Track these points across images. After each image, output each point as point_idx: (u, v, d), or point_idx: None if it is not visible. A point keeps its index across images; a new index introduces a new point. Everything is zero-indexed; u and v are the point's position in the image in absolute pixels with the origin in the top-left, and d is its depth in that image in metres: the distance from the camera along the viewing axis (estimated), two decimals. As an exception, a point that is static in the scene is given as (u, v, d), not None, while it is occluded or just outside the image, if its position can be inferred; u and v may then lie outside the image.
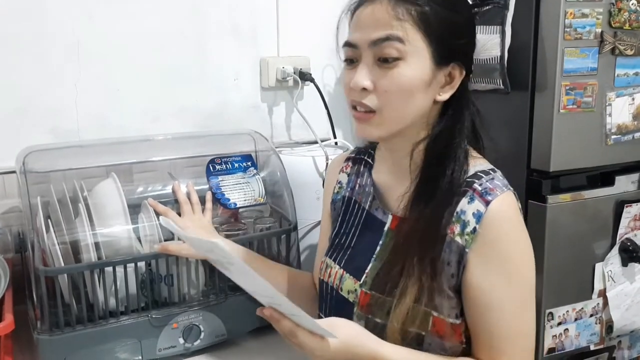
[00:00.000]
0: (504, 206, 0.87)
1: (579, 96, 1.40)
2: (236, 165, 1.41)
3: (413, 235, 0.89)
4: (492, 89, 1.46)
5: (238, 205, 1.36)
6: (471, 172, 0.91)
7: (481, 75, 1.44)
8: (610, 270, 1.56)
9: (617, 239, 1.56)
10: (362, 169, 1.08)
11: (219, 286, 1.26)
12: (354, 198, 1.06)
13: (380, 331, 0.91)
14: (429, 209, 0.89)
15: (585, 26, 1.37)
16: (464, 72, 0.91)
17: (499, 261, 0.87)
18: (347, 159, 1.12)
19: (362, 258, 0.98)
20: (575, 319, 1.53)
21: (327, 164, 1.53)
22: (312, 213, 1.51)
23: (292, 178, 1.44)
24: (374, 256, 0.97)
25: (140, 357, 1.18)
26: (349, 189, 1.08)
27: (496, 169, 0.93)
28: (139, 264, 1.18)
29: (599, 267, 1.55)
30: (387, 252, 0.95)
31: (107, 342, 1.15)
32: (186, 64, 1.61)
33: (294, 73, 1.70)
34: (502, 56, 1.41)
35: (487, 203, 0.86)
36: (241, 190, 1.38)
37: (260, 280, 0.79)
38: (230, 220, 1.39)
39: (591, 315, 1.56)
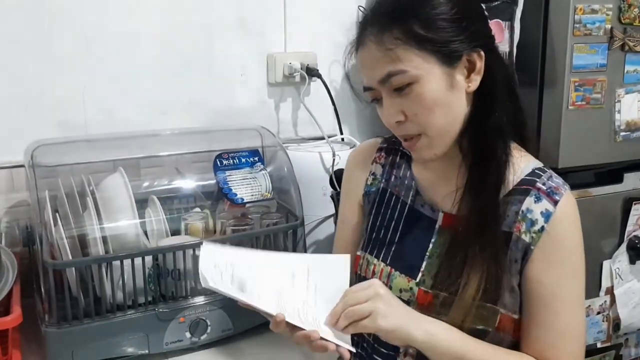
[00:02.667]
0: (570, 206, 0.90)
1: (588, 92, 1.39)
2: (243, 160, 1.42)
3: (470, 229, 0.90)
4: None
5: (245, 201, 1.36)
6: (529, 169, 0.93)
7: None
8: (618, 268, 1.55)
9: (625, 236, 1.55)
10: (398, 160, 1.05)
11: (225, 281, 1.27)
12: (389, 190, 1.04)
13: None
14: (479, 202, 0.90)
15: (594, 22, 1.36)
16: (483, 53, 0.88)
17: (562, 258, 0.89)
18: (380, 149, 1.08)
19: (412, 256, 0.97)
20: (583, 317, 1.53)
21: (334, 159, 1.53)
22: (319, 209, 1.52)
23: (299, 174, 1.44)
24: (427, 254, 0.96)
25: (147, 351, 1.18)
26: (384, 181, 1.05)
27: (547, 166, 0.95)
28: (146, 258, 1.19)
29: (606, 264, 1.54)
30: (443, 250, 0.94)
31: (115, 336, 1.15)
32: (193, 59, 1.61)
33: (301, 69, 1.70)
34: (510, 52, 1.40)
35: (555, 203, 0.89)
36: (248, 186, 1.38)
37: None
38: (237, 215, 1.39)
39: (598, 313, 1.56)
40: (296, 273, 0.91)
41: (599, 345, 1.58)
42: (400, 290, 0.96)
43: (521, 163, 0.93)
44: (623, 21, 1.39)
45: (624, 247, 1.55)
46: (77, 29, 1.46)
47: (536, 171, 0.93)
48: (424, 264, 0.96)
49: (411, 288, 0.95)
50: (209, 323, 1.23)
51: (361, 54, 0.90)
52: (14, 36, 1.39)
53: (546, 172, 0.93)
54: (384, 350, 0.97)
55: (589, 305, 1.54)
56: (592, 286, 1.55)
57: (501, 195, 0.91)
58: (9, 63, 1.40)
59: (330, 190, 1.52)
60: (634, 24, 1.41)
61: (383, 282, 0.97)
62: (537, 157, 0.97)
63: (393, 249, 1.00)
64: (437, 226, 0.97)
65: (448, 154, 0.93)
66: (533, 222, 0.89)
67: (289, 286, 0.90)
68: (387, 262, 0.99)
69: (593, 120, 1.43)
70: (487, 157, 0.90)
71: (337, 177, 1.53)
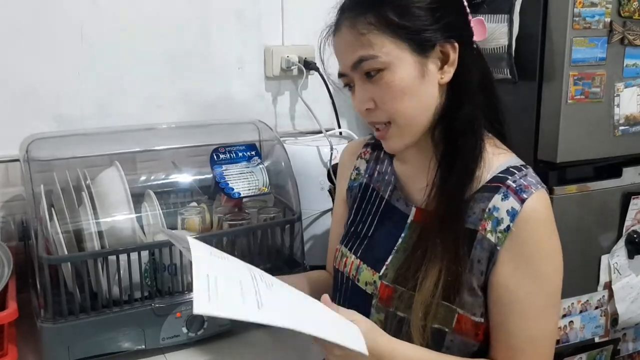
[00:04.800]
0: (539, 205, 0.85)
1: (587, 86, 1.38)
2: (240, 154, 1.41)
3: (432, 223, 0.89)
4: (499, 79, 1.44)
5: (242, 195, 1.36)
6: (503, 166, 0.89)
7: (489, 65, 1.43)
8: (616, 263, 1.55)
9: (624, 231, 1.55)
10: (382, 156, 1.05)
11: (222, 276, 1.26)
12: (371, 185, 1.04)
13: (400, 324, 0.90)
14: (443, 197, 0.88)
15: (594, 15, 1.35)
16: (457, 45, 0.87)
17: (529, 261, 0.85)
18: (366, 145, 1.09)
19: (381, 249, 0.96)
20: (581, 311, 1.53)
21: (331, 153, 1.53)
22: (316, 203, 1.51)
23: (297, 168, 1.43)
24: (395, 248, 0.95)
25: (143, 346, 1.18)
26: (367, 176, 1.05)
27: (528, 166, 0.91)
28: (142, 252, 1.18)
29: (604, 259, 1.54)
30: (410, 245, 0.93)
31: (111, 331, 1.15)
32: (190, 52, 1.60)
33: (299, 62, 1.69)
34: (509, 45, 1.39)
35: (522, 201, 0.85)
36: (245, 180, 1.38)
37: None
38: (234, 209, 1.38)
39: (596, 308, 1.55)
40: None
41: (597, 340, 1.58)
42: (366, 284, 0.96)
43: (497, 160, 0.90)
44: (622, 14, 1.38)
45: (622, 241, 1.55)
46: (72, 22, 1.44)
47: (510, 169, 0.89)
48: (390, 257, 0.95)
49: (375, 281, 0.95)
50: (205, 318, 1.22)
51: (336, 38, 0.90)
52: (8, 29, 1.38)
53: (522, 170, 0.89)
54: None
55: (587, 300, 1.54)
56: (590, 281, 1.54)
57: (470, 192, 0.88)
58: (4, 56, 1.39)
59: (328, 184, 1.51)
60: (634, 17, 1.39)
61: (352, 275, 0.98)
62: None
63: (365, 242, 1.00)
64: (408, 221, 0.96)
65: (422, 147, 0.92)
66: (499, 221, 0.85)
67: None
68: (358, 255, 0.99)
69: (592, 114, 1.42)
70: (455, 151, 0.88)
71: (334, 171, 1.53)
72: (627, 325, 1.62)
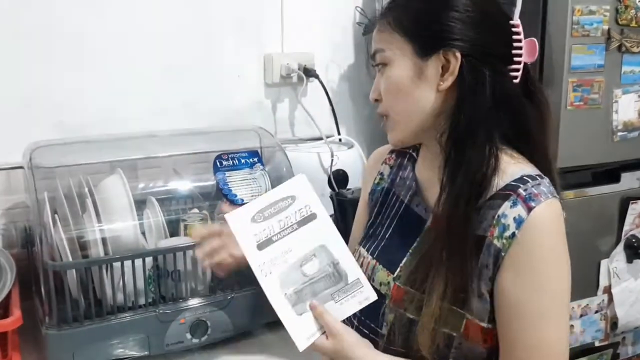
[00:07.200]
0: (545, 214, 0.85)
1: (585, 93, 1.40)
2: (243, 161, 1.42)
3: (440, 230, 0.89)
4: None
5: (244, 201, 1.36)
6: (517, 175, 0.89)
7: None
8: (615, 267, 1.56)
9: (622, 235, 1.56)
10: (405, 162, 1.07)
11: (225, 282, 1.26)
12: (393, 190, 1.06)
13: (410, 326, 0.91)
14: (449, 203, 0.88)
15: (592, 23, 1.37)
16: (459, 55, 0.87)
17: (531, 269, 0.85)
18: (392, 151, 1.11)
19: (396, 251, 0.98)
20: (581, 315, 1.54)
21: (332, 160, 1.53)
22: (318, 209, 1.51)
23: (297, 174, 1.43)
24: (410, 251, 0.96)
25: (147, 352, 1.18)
26: (389, 181, 1.08)
27: (544, 176, 0.90)
28: (146, 259, 1.18)
29: (604, 263, 1.55)
30: (423, 249, 0.95)
31: (115, 337, 1.15)
32: (191, 60, 1.60)
33: (298, 69, 1.70)
34: (509, 52, 1.40)
35: (529, 209, 0.84)
36: (248, 186, 1.38)
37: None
38: (236, 216, 1.38)
39: (596, 312, 1.56)
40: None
41: (597, 343, 1.59)
42: (380, 284, 0.98)
43: (512, 169, 0.89)
44: (620, 22, 1.40)
45: (621, 246, 1.57)
46: (74, 30, 1.45)
47: (524, 177, 0.88)
48: (404, 260, 0.96)
49: (389, 282, 0.97)
50: (209, 324, 1.22)
51: None
52: (11, 37, 1.38)
53: (536, 179, 0.88)
54: (366, 331, 0.98)
55: (587, 304, 1.55)
56: (590, 285, 1.56)
57: (483, 199, 0.88)
58: (7, 64, 1.39)
59: (328, 190, 1.52)
60: (631, 25, 1.42)
61: (368, 275, 0.99)
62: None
63: (382, 244, 1.02)
64: (425, 226, 0.97)
65: (435, 153, 0.92)
66: (505, 228, 0.85)
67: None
68: (374, 256, 1.01)
69: (591, 120, 1.44)
70: (461, 159, 0.88)
71: (335, 178, 1.54)
72: (626, 329, 1.63)
